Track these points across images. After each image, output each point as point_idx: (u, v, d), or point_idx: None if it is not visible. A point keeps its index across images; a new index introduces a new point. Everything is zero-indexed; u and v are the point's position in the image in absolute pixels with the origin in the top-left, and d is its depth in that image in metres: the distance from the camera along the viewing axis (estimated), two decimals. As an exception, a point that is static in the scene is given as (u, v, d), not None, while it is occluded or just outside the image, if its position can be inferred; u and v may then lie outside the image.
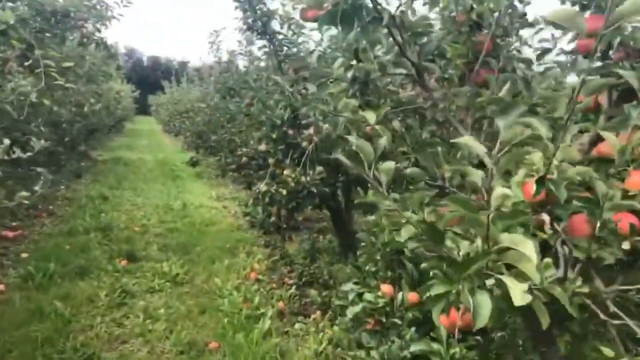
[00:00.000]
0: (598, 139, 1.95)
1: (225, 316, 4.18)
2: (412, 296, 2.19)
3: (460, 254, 1.24)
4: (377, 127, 1.76)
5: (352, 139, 1.34)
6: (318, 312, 4.32)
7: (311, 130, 3.85)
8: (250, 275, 5.16)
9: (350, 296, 2.26)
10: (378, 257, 2.14)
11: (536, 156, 1.30)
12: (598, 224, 1.39)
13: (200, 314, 4.29)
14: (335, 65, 2.20)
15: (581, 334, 2.53)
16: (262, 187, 4.13)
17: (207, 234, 6.88)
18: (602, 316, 1.63)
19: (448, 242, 1.24)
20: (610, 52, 1.92)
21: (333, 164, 4.12)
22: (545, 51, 2.09)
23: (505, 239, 1.09)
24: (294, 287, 4.84)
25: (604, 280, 1.69)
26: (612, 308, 1.46)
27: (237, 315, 4.19)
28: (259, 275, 5.18)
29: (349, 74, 2.10)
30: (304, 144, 3.96)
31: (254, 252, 6.02)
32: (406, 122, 2.15)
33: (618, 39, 2.02)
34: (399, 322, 2.10)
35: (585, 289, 1.54)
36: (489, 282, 1.22)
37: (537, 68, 2.53)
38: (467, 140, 1.11)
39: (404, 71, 2.05)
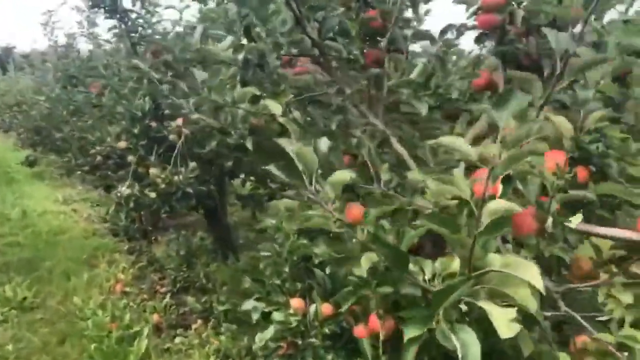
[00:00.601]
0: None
1: (92, 342, 3.63)
2: (326, 308, 1.94)
3: (427, 278, 0.99)
4: (281, 119, 1.45)
5: (285, 143, 1.02)
6: (199, 321, 3.96)
7: (179, 122, 3.39)
8: (115, 288, 4.58)
9: (255, 316, 1.94)
10: (286, 269, 1.85)
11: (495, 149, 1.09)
12: (550, 220, 1.23)
13: (59, 344, 3.69)
14: (222, 45, 1.83)
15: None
16: (124, 190, 3.57)
17: (57, 244, 6.01)
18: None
19: (411, 266, 0.99)
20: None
21: (205, 158, 3.70)
22: (448, 27, 1.93)
23: (496, 261, 0.86)
24: (168, 295, 4.40)
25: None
26: (564, 308, 1.34)
27: (106, 338, 3.66)
28: (126, 287, 4.62)
29: (240, 56, 1.75)
30: (172, 137, 3.49)
31: (117, 260, 5.37)
32: (307, 111, 1.87)
33: (521, 13, 1.93)
34: (315, 341, 1.83)
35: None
36: (463, 307, 0.99)
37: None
38: (452, 140, 0.86)
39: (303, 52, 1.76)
